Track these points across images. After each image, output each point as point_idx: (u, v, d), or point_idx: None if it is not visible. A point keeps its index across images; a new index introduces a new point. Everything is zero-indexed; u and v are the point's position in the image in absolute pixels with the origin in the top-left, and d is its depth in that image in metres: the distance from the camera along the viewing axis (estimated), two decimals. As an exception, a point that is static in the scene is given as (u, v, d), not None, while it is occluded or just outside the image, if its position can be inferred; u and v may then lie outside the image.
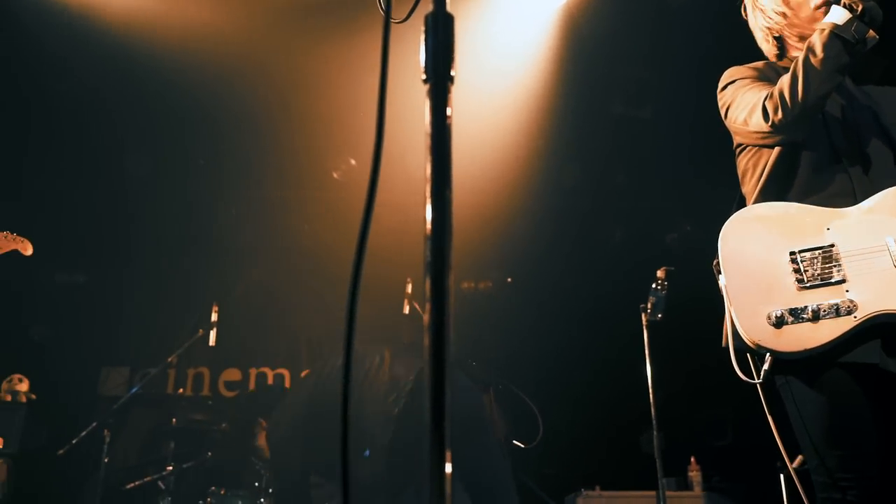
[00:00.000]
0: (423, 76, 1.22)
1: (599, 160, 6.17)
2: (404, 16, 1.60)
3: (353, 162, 6.48)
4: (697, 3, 4.91)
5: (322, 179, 6.24)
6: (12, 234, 3.02)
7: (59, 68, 5.49)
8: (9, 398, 4.89)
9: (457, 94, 1.21)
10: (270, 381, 6.33)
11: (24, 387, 4.96)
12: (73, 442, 4.59)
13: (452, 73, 1.22)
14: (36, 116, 5.84)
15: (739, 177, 2.37)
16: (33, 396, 4.99)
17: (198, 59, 5.35)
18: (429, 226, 1.12)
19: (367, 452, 3.52)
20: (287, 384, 6.31)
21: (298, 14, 5.20)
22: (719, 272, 2.14)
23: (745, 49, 2.51)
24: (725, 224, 2.17)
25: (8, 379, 4.97)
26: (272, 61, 5.57)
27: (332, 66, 5.52)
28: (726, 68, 2.43)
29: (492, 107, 5.38)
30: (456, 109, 1.19)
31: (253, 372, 6.33)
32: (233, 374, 6.32)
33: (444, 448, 1.01)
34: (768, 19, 2.39)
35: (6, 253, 3.05)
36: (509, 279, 6.64)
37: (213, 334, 5.15)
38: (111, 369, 6.27)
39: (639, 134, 5.96)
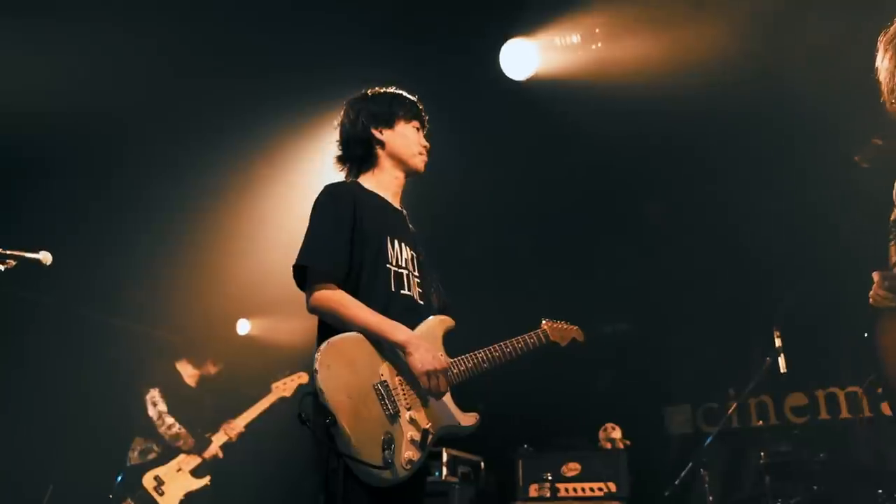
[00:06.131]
0: None
1: None
2: None
3: (878, 143, 5.70)
4: None
5: (848, 171, 5.61)
6: (567, 323, 2.93)
7: (573, 140, 6.08)
8: (608, 445, 5.31)
9: None
10: (843, 403, 5.75)
11: (617, 434, 5.35)
12: (676, 483, 4.73)
13: None
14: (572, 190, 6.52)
15: None
16: (628, 443, 5.33)
17: (688, 90, 5.36)
18: None
19: None
20: (864, 403, 5.65)
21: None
22: None
23: None
24: None
25: (603, 428, 5.41)
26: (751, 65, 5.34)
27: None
28: None
29: None
30: None
31: (821, 394, 5.83)
32: (798, 399, 5.91)
33: None
34: None
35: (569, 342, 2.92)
36: None
37: (781, 360, 4.88)
38: (673, 408, 6.41)
39: None
